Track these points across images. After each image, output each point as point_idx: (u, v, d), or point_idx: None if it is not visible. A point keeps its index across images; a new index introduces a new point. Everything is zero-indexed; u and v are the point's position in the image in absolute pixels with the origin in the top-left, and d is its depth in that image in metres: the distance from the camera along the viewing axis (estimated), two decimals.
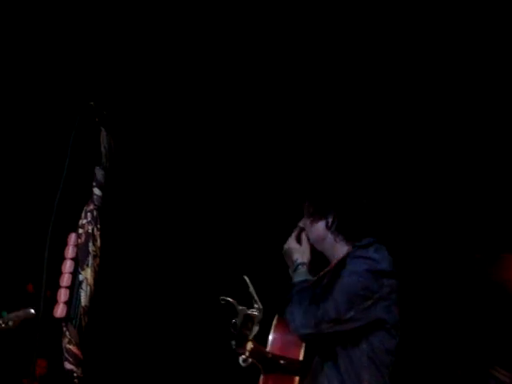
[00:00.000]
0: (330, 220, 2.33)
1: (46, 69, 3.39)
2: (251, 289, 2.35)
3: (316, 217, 2.37)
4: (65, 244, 2.43)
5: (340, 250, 2.35)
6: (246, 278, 2.37)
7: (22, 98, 3.43)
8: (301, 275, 2.36)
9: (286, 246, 2.45)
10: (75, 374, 2.16)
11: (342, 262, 2.29)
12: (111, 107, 2.55)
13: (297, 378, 2.44)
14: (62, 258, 2.40)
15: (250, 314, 2.37)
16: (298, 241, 2.44)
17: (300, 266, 2.38)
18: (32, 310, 3.12)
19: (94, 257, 2.34)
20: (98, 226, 2.40)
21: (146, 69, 3.53)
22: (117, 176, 2.55)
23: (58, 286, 2.34)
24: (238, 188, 4.71)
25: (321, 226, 2.36)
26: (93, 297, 2.29)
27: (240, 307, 2.35)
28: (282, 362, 2.48)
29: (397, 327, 2.38)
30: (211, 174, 4.46)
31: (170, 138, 3.92)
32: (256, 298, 2.34)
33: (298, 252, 2.42)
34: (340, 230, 2.33)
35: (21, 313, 4.10)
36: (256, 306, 2.39)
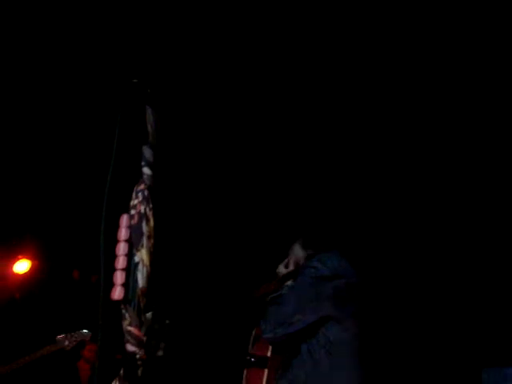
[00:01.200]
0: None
1: (89, 48, 3.36)
2: None
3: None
4: (117, 226, 2.39)
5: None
6: None
7: (67, 78, 3.42)
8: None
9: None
10: (138, 356, 2.13)
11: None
12: (155, 84, 2.50)
13: (265, 371, 3.12)
14: (116, 241, 2.37)
15: None
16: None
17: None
18: (86, 331, 3.16)
19: (148, 237, 2.30)
20: (150, 205, 2.35)
21: (189, 45, 3.48)
22: (166, 154, 2.50)
23: (114, 269, 2.31)
24: None
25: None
26: (150, 278, 2.25)
27: None
28: (252, 359, 3.30)
29: (351, 320, 2.78)
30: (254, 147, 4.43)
31: (216, 114, 3.87)
32: None
33: None
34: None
35: (76, 335, 4.16)
36: None
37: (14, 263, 6.74)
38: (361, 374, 2.85)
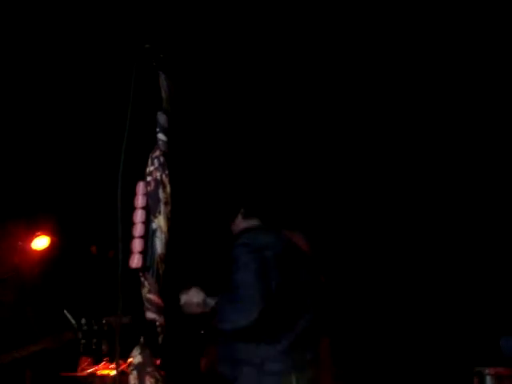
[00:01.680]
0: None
1: (101, 14, 3.31)
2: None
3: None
4: (134, 194, 2.36)
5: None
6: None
7: (80, 45, 3.38)
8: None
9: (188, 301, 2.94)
10: (157, 323, 2.11)
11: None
12: (168, 50, 2.45)
13: None
14: (132, 209, 2.34)
15: None
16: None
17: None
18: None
19: (165, 204, 2.26)
20: (166, 172, 2.31)
21: (202, 9, 3.42)
22: (180, 120, 2.46)
23: (131, 237, 2.28)
24: None
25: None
26: (168, 244, 2.22)
27: None
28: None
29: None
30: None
31: (229, 78, 3.81)
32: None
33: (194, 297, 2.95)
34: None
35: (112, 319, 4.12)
36: None
37: (32, 239, 6.79)
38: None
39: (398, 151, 5.68)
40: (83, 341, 3.89)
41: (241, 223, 3.13)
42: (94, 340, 3.87)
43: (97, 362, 5.38)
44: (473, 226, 5.93)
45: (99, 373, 5.32)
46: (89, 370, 5.41)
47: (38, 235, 6.83)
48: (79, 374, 5.42)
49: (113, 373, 5.21)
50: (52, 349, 4.41)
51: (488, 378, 4.88)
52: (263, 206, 3.20)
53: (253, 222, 3.14)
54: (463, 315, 5.97)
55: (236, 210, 3.15)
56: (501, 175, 5.58)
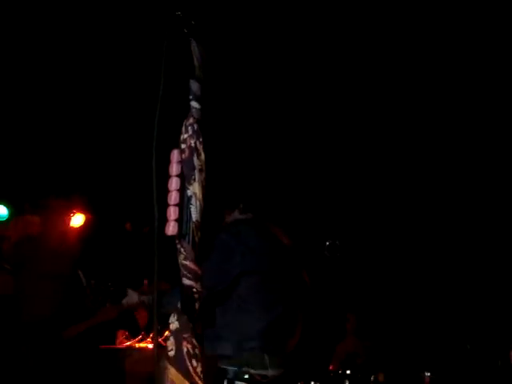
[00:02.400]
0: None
1: None
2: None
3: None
4: (168, 162, 2.35)
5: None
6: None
7: (111, 14, 3.37)
8: None
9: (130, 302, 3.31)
10: (194, 290, 2.11)
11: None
12: (199, 16, 2.42)
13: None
14: (167, 177, 2.33)
15: None
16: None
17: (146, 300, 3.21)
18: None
19: (200, 171, 2.25)
20: (201, 139, 2.30)
21: None
22: (213, 87, 2.44)
23: (167, 205, 2.28)
24: None
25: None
26: (203, 211, 2.21)
27: None
28: None
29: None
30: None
31: (260, 44, 3.77)
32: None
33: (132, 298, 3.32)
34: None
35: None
36: None
37: (70, 217, 6.90)
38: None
39: (391, 146, 5.66)
40: (91, 296, 4.14)
41: (236, 215, 3.37)
42: (100, 298, 4.11)
43: (133, 336, 5.47)
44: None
45: (137, 345, 5.40)
46: (127, 343, 5.50)
47: (75, 213, 6.95)
48: (118, 346, 5.52)
49: (151, 346, 5.29)
50: (109, 320, 4.55)
51: None
52: (260, 204, 3.41)
53: (246, 216, 3.38)
54: (500, 292, 5.93)
55: (235, 205, 3.40)
56: (501, 175, 5.53)
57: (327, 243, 7.30)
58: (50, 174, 6.09)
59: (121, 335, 5.57)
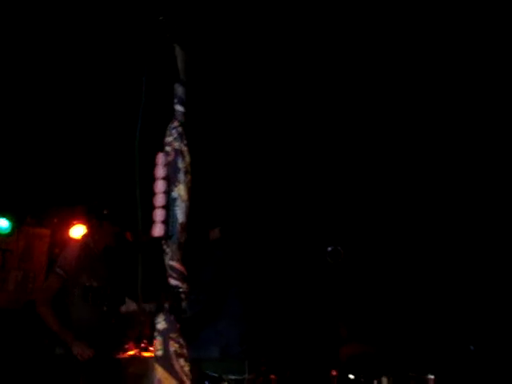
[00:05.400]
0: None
1: None
2: None
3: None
4: (153, 165, 2.38)
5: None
6: None
7: (93, 19, 3.40)
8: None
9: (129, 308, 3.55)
10: (181, 289, 2.13)
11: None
12: (182, 21, 2.45)
13: None
14: (153, 179, 2.36)
15: None
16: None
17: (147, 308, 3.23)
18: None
19: (185, 173, 2.28)
20: (185, 141, 2.32)
21: None
22: (197, 90, 2.47)
23: (153, 208, 2.30)
24: None
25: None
26: (189, 213, 2.24)
27: None
28: None
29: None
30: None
31: (245, 48, 3.80)
32: None
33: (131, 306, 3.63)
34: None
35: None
36: None
37: (69, 228, 6.93)
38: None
39: (390, 153, 5.70)
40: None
41: (217, 234, 3.75)
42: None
43: (137, 343, 5.47)
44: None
45: (142, 354, 5.39)
46: (130, 352, 5.50)
47: (75, 224, 6.99)
48: (121, 355, 5.51)
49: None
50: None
51: None
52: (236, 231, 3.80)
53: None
54: (506, 290, 5.92)
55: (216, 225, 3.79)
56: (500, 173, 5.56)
57: (329, 249, 7.31)
58: (50, 185, 6.12)
59: (125, 344, 5.56)
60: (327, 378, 5.35)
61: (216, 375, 3.08)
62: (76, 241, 5.27)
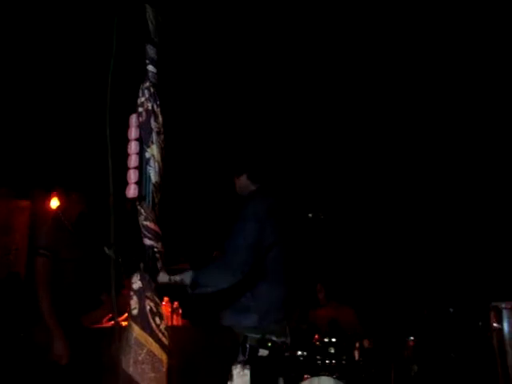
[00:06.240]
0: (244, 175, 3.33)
1: None
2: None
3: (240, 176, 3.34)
4: (127, 127, 2.37)
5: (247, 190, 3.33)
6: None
7: None
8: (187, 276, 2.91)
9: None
10: (156, 249, 2.14)
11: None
12: None
13: None
14: (127, 141, 2.35)
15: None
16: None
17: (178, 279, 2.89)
18: None
19: (158, 133, 2.27)
20: (158, 102, 2.31)
21: None
22: (169, 51, 2.44)
23: (127, 168, 2.30)
24: None
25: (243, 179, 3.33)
26: (162, 173, 2.23)
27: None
28: None
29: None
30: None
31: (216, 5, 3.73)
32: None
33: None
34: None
35: None
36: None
37: (49, 200, 6.88)
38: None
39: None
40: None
41: (249, 186, 3.34)
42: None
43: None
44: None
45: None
46: (111, 322, 5.50)
47: (53, 196, 6.93)
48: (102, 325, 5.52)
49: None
50: None
51: (505, 312, 4.92)
52: (267, 174, 3.44)
53: (256, 186, 3.38)
54: (480, 252, 5.99)
55: (240, 172, 3.35)
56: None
57: (310, 215, 7.35)
58: (27, 156, 6.06)
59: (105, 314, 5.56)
60: (310, 341, 5.41)
61: (259, 336, 3.05)
62: (48, 216, 5.21)
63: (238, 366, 2.89)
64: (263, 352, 3.01)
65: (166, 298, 5.26)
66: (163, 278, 3.07)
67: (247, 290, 3.08)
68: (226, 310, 3.14)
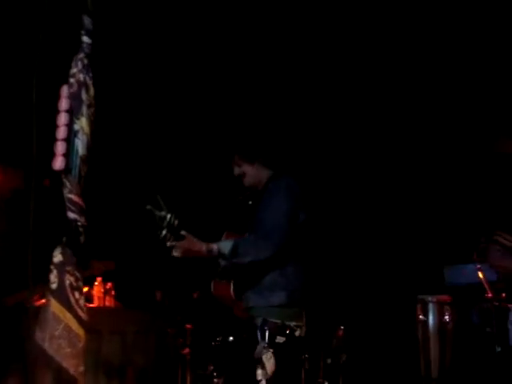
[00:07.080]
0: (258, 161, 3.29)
1: None
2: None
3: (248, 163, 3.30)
4: (57, 97, 2.31)
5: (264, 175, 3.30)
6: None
7: None
8: (225, 245, 3.00)
9: (189, 248, 2.97)
10: (79, 223, 2.10)
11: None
12: None
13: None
14: (56, 112, 2.29)
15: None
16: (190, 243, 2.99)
17: (215, 248, 3.00)
18: None
19: (89, 106, 2.22)
20: (90, 74, 2.26)
21: None
22: (106, 22, 2.39)
23: (55, 140, 2.24)
24: None
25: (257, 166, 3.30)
26: (90, 146, 2.19)
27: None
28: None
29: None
30: None
31: None
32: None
33: (198, 244, 3.02)
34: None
35: None
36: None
37: None
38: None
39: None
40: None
41: (263, 171, 3.31)
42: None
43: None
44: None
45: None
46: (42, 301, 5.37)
47: None
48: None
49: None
50: None
51: (430, 305, 5.10)
52: (280, 156, 3.43)
53: (271, 171, 3.35)
54: (408, 247, 6.09)
55: (253, 159, 3.31)
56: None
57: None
58: None
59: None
60: None
61: (279, 321, 3.00)
62: None
63: (265, 351, 2.88)
64: (280, 339, 2.99)
65: (98, 279, 5.18)
66: (199, 245, 2.95)
67: (276, 267, 3.07)
68: (250, 291, 3.12)
